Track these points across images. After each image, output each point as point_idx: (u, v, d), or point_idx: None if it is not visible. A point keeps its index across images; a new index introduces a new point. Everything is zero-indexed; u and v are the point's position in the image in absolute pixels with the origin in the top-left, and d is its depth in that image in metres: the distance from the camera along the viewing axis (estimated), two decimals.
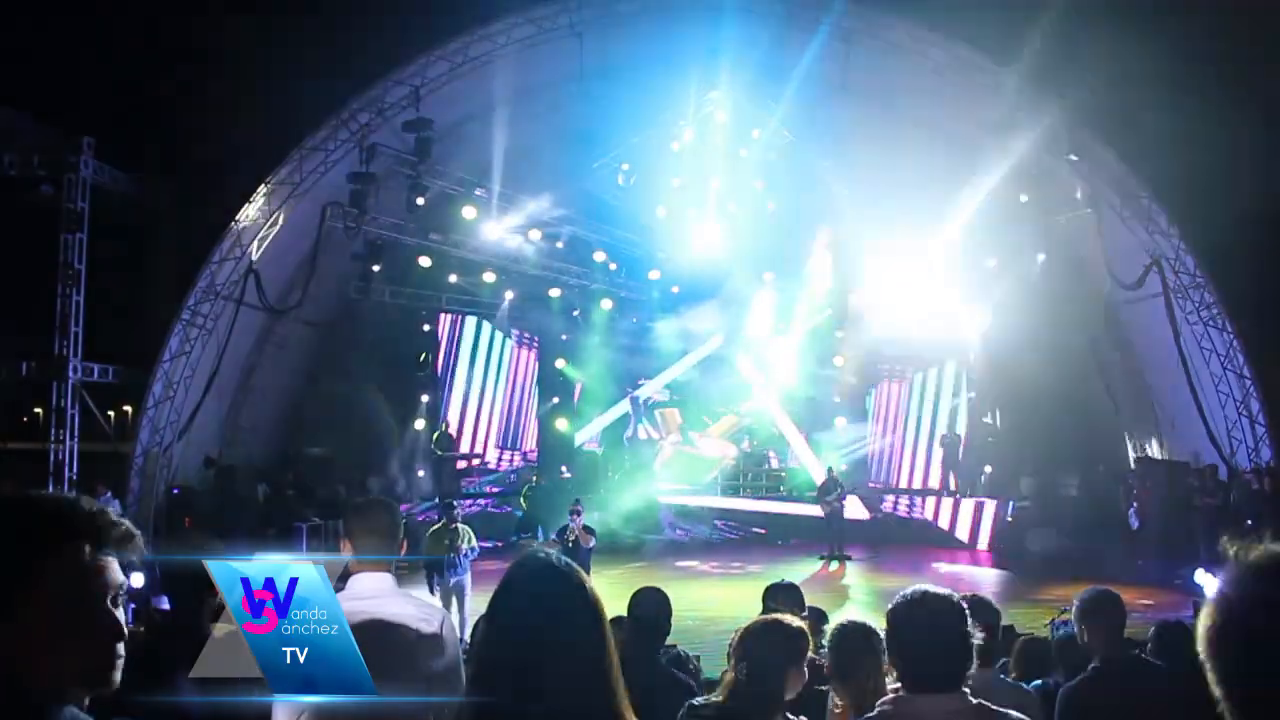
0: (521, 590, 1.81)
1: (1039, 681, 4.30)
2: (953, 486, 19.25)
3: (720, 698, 2.84)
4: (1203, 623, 1.28)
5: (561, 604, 1.77)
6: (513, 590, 1.82)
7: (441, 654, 2.81)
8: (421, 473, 18.77)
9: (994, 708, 2.32)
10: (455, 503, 11.42)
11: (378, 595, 2.84)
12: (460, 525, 10.70)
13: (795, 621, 2.98)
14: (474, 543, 10.59)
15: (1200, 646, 1.28)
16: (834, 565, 16.78)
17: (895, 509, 19.92)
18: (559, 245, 19.24)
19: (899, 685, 2.41)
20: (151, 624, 6.39)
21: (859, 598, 14.02)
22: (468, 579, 10.52)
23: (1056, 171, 15.16)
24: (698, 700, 2.88)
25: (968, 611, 2.42)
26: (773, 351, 20.52)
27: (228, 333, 15.52)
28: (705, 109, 17.43)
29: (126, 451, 15.21)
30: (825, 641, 3.24)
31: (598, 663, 1.77)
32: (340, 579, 2.85)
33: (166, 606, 3.39)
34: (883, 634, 2.61)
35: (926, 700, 2.31)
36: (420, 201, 16.25)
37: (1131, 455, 17.73)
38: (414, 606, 2.91)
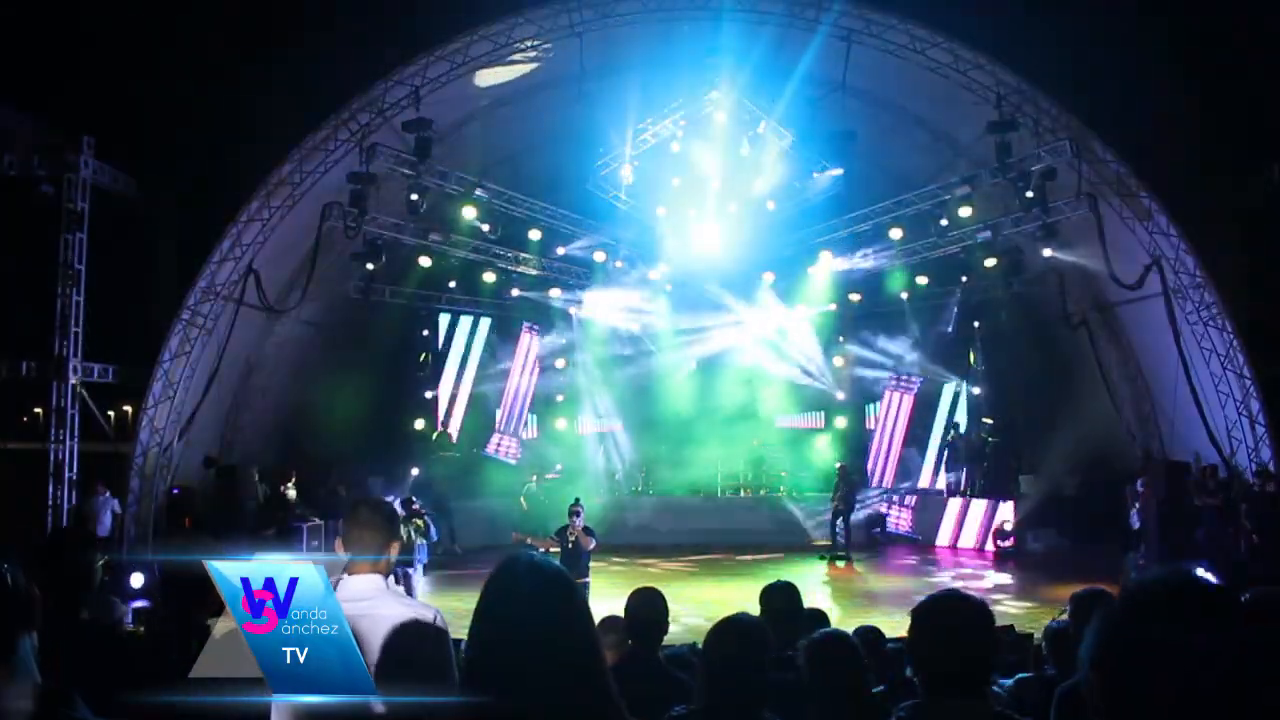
0: (507, 592, 1.83)
1: (1022, 675, 4.31)
2: (961, 487, 19.25)
3: (697, 705, 2.81)
4: (1091, 639, 1.28)
5: (547, 605, 1.79)
6: (499, 592, 1.84)
7: (434, 654, 2.82)
8: (416, 470, 18.77)
9: (1015, 715, 2.28)
10: (414, 498, 11.84)
11: (368, 597, 2.85)
12: (418, 521, 11.19)
13: (750, 617, 2.97)
14: (430, 538, 11.45)
15: (1084, 661, 1.28)
16: (840, 564, 16.82)
17: None
18: (559, 246, 19.26)
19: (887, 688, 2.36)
20: (151, 624, 6.39)
21: (860, 598, 14.03)
22: (416, 573, 11.43)
23: (1056, 171, 15.15)
24: (678, 710, 2.85)
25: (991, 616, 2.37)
26: (772, 349, 20.55)
27: (228, 333, 15.52)
28: (705, 109, 17.41)
29: (126, 451, 15.21)
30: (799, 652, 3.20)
31: (586, 662, 1.80)
32: None
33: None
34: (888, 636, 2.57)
35: (949, 705, 2.25)
36: (415, 198, 16.22)
37: (1131, 455, 17.72)
38: (406, 606, 2.92)
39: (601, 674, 1.81)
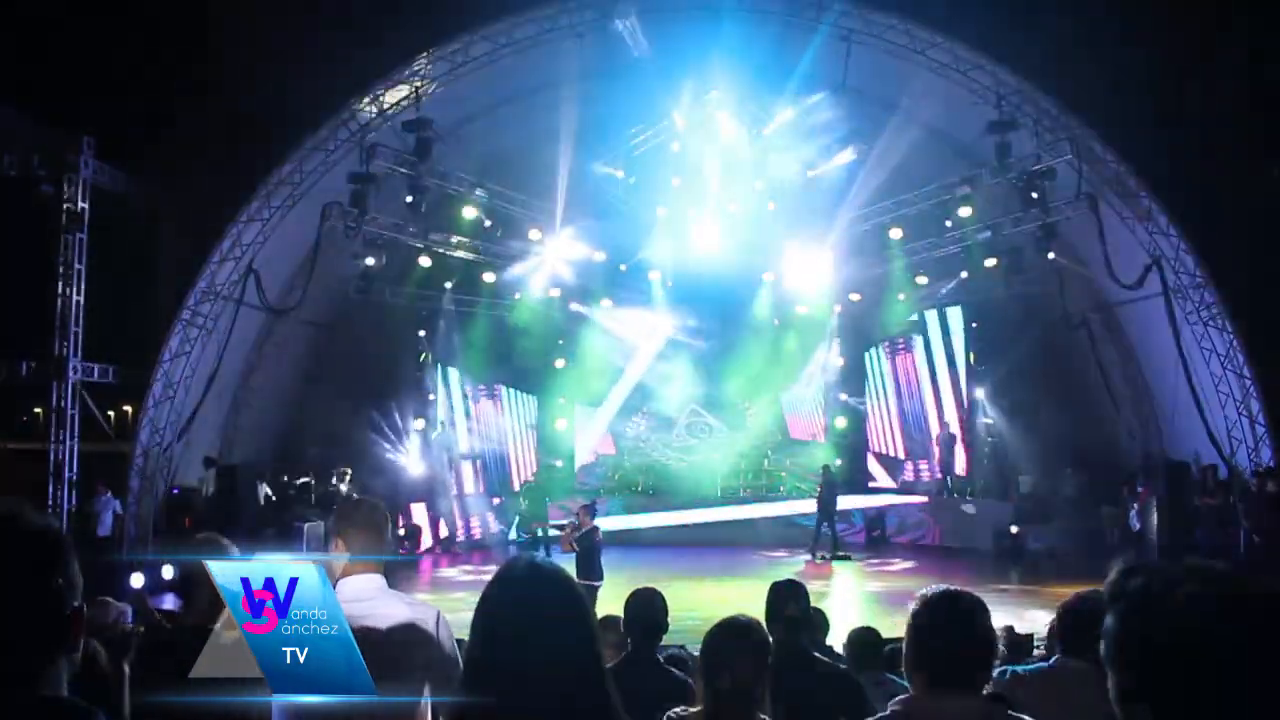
0: (507, 593, 1.84)
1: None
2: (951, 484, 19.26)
3: (698, 709, 2.81)
4: (1109, 633, 1.32)
5: (548, 605, 1.80)
6: (499, 593, 1.85)
7: (436, 653, 2.81)
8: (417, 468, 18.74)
9: (1009, 710, 2.26)
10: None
11: (370, 597, 2.84)
12: None
13: (749, 619, 2.97)
14: None
15: (1105, 655, 1.32)
16: (819, 561, 16.88)
17: None
18: (558, 246, 19.22)
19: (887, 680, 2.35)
20: (151, 624, 6.39)
21: (855, 597, 14.03)
22: None
23: (1056, 171, 15.16)
24: (677, 711, 2.85)
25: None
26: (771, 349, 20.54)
27: (228, 333, 15.52)
28: (705, 109, 17.40)
29: (126, 451, 15.21)
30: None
31: (586, 663, 1.80)
32: None
33: (168, 606, 3.41)
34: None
35: (943, 699, 2.24)
36: (410, 199, 16.19)
37: (1132, 455, 17.72)
38: (407, 606, 2.91)
39: (601, 675, 1.82)
